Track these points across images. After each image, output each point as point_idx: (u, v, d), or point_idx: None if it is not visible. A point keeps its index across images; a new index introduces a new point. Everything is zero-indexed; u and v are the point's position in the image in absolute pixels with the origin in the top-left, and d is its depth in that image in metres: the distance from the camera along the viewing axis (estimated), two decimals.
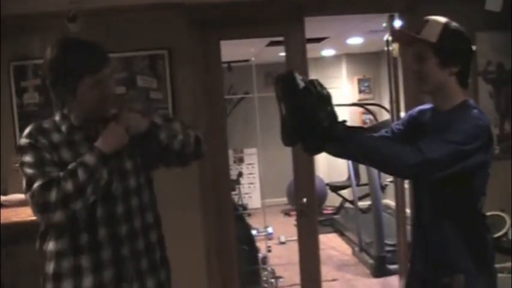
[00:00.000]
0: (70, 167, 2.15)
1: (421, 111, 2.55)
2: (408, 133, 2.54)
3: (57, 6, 3.73)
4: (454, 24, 2.36)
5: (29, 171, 2.19)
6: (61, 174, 2.14)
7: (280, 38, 4.51)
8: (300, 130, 2.22)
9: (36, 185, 2.12)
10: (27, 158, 2.21)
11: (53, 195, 2.09)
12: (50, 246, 2.29)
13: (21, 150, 2.25)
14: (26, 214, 3.45)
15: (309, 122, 2.18)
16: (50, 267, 2.29)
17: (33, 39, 4.12)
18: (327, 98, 2.21)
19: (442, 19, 2.36)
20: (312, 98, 2.17)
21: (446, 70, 2.33)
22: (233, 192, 8.20)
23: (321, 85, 2.23)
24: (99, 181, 2.17)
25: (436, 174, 2.20)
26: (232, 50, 5.24)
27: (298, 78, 2.22)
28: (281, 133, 2.35)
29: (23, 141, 2.27)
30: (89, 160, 2.15)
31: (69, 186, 2.10)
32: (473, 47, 2.40)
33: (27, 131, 2.30)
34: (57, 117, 2.33)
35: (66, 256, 2.26)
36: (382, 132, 2.63)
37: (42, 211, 2.11)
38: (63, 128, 2.29)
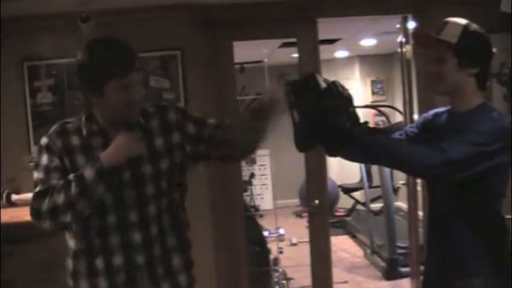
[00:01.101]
0: (68, 177, 2.14)
1: (437, 114, 2.53)
2: (423, 136, 2.52)
3: (70, 7, 3.74)
4: (474, 25, 2.34)
5: (37, 174, 2.25)
6: (60, 183, 2.15)
7: (293, 39, 4.50)
8: (316, 134, 2.21)
9: (35, 190, 2.20)
10: (40, 160, 2.26)
11: (45, 204, 2.13)
12: (72, 244, 2.33)
13: (39, 149, 2.30)
14: None
15: (330, 123, 2.16)
16: (70, 264, 2.34)
17: (46, 39, 4.13)
18: (349, 99, 2.21)
19: (462, 20, 2.34)
20: (334, 98, 2.16)
21: (465, 72, 2.31)
22: (245, 194, 8.19)
23: (342, 86, 2.23)
24: (94, 196, 2.13)
25: (457, 175, 2.18)
26: (244, 51, 5.23)
27: (320, 79, 2.21)
28: (295, 139, 2.34)
29: (43, 141, 2.30)
30: (86, 174, 2.11)
31: (60, 198, 2.11)
32: (494, 49, 2.38)
33: (51, 130, 2.32)
34: (83, 118, 2.31)
35: (83, 256, 2.29)
36: (396, 135, 2.61)
37: (33, 217, 2.18)
38: (85, 131, 2.28)
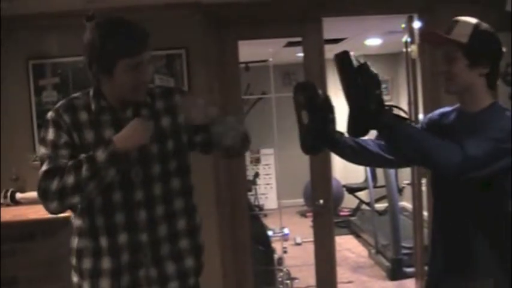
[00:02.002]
0: (80, 158, 2.12)
1: (443, 114, 2.51)
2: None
3: (75, 5, 3.74)
4: (484, 25, 2.32)
5: (43, 149, 2.21)
6: (69, 163, 2.11)
7: (298, 39, 4.50)
8: (325, 137, 2.21)
9: (43, 169, 2.14)
10: (48, 135, 2.22)
11: (54, 185, 2.09)
12: (75, 222, 2.31)
13: (46, 123, 2.26)
14: (44, 211, 3.47)
15: (358, 102, 2.16)
16: (74, 242, 2.32)
17: (51, 38, 4.15)
18: (377, 81, 2.20)
19: (473, 20, 2.32)
20: (364, 77, 2.16)
21: (476, 71, 2.29)
22: (249, 193, 8.20)
23: (372, 69, 2.22)
24: (104, 179, 2.12)
25: (477, 172, 2.15)
26: (249, 50, 5.23)
27: (353, 57, 2.21)
28: (301, 141, 2.33)
29: (49, 115, 2.27)
30: (98, 156, 2.09)
31: (70, 179, 2.08)
32: (504, 49, 2.36)
33: (57, 105, 2.29)
34: (91, 93, 2.30)
35: (87, 235, 2.27)
36: None
37: (41, 197, 2.13)
38: (93, 106, 2.26)
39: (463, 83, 2.32)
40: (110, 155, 2.10)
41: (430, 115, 2.62)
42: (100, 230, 2.26)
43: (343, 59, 2.20)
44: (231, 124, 2.35)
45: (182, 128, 2.37)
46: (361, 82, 2.15)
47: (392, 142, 2.30)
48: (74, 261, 2.33)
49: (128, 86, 2.20)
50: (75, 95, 2.34)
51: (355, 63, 2.18)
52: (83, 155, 2.13)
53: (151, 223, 2.30)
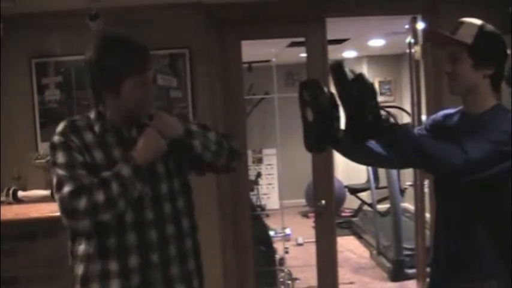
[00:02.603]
0: (104, 175, 2.11)
1: (447, 115, 2.51)
2: (433, 137, 2.50)
3: (78, 4, 3.75)
4: (489, 26, 2.32)
5: (60, 172, 2.14)
6: (94, 181, 2.09)
7: (302, 39, 4.49)
8: (330, 135, 2.21)
9: (66, 189, 2.08)
10: (59, 158, 2.17)
11: (82, 203, 2.05)
12: (80, 248, 2.25)
13: (54, 148, 2.20)
14: (46, 210, 3.48)
15: (354, 114, 2.15)
16: (79, 269, 2.26)
17: (54, 36, 4.15)
18: (373, 92, 2.19)
19: (478, 21, 2.32)
20: (359, 90, 2.15)
21: (480, 72, 2.29)
22: (251, 193, 8.19)
23: (368, 79, 2.21)
24: (133, 194, 2.12)
25: (479, 175, 2.16)
26: (252, 50, 5.23)
27: (347, 69, 2.20)
28: (305, 139, 2.33)
29: (56, 139, 2.21)
30: (124, 172, 2.10)
31: (100, 197, 2.06)
32: (508, 51, 2.36)
33: (60, 128, 2.24)
34: (92, 115, 2.28)
35: (95, 259, 2.22)
36: None
37: (69, 218, 2.07)
38: (97, 127, 2.24)
39: (467, 83, 2.31)
40: (134, 168, 2.11)
41: (433, 116, 2.61)
42: (111, 252, 2.22)
43: (337, 71, 2.20)
44: (212, 138, 2.35)
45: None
46: (356, 94, 2.14)
47: (392, 149, 2.30)
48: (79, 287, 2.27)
49: (134, 103, 2.20)
50: (73, 118, 2.32)
51: (349, 75, 2.18)
52: (106, 173, 2.11)
53: (162, 242, 2.29)
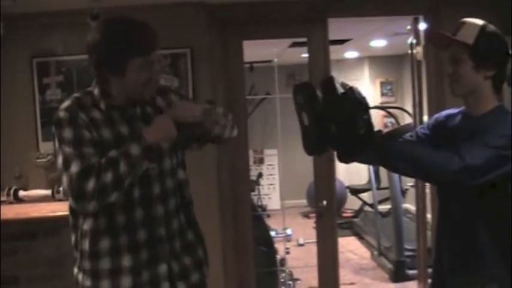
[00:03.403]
0: (112, 154, 2.10)
1: (449, 116, 2.50)
2: (434, 138, 2.49)
3: (80, 4, 3.74)
4: (491, 26, 2.31)
5: (66, 149, 2.12)
6: (102, 161, 2.08)
7: (303, 39, 4.49)
8: (328, 138, 2.20)
9: (74, 169, 2.07)
10: (66, 134, 2.15)
11: (91, 184, 2.04)
12: (86, 224, 2.25)
13: (60, 123, 2.17)
14: (47, 210, 3.48)
15: (345, 129, 2.14)
16: (87, 244, 2.26)
17: (56, 36, 4.15)
18: (365, 106, 2.18)
19: (479, 21, 2.31)
20: (349, 104, 2.14)
21: (481, 73, 2.28)
22: (253, 193, 8.18)
23: (360, 93, 2.20)
24: (138, 173, 2.14)
25: (476, 180, 2.15)
26: (254, 51, 5.22)
27: (338, 83, 2.19)
28: (304, 143, 2.32)
29: (62, 114, 2.19)
30: (133, 151, 2.10)
31: (108, 177, 2.05)
32: (510, 52, 2.34)
33: (66, 104, 2.23)
34: (95, 92, 2.28)
35: (103, 235, 2.24)
36: (407, 136, 2.58)
37: (77, 198, 2.07)
38: (102, 105, 2.24)
39: (468, 85, 2.30)
40: (144, 148, 2.12)
41: (436, 116, 2.60)
42: (120, 228, 2.24)
43: (327, 86, 2.19)
44: (220, 113, 2.39)
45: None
46: (346, 109, 2.13)
47: (385, 162, 2.29)
48: (87, 264, 2.27)
49: (139, 84, 2.21)
50: (77, 94, 2.31)
51: (340, 90, 2.17)
52: (113, 151, 2.12)
53: (167, 217, 2.32)
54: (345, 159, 2.26)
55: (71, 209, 2.30)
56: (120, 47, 2.16)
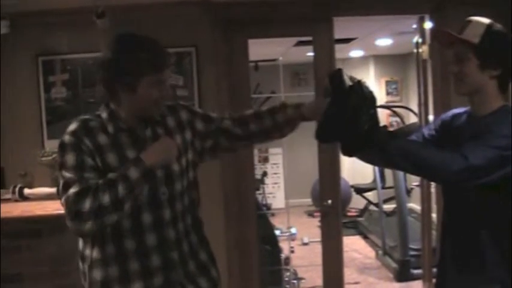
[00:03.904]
0: (110, 176, 2.08)
1: (455, 115, 2.48)
2: (441, 138, 2.47)
3: (85, 2, 3.75)
4: (497, 25, 2.28)
5: (66, 174, 2.11)
6: (100, 182, 2.07)
7: (309, 38, 4.48)
8: (338, 130, 2.18)
9: (71, 191, 2.06)
10: (68, 159, 2.13)
11: (87, 204, 2.02)
12: (95, 252, 2.23)
13: (64, 148, 2.16)
14: (52, 208, 3.48)
15: (349, 122, 2.14)
16: (97, 274, 2.23)
17: (61, 34, 4.16)
18: (371, 101, 2.17)
19: (486, 20, 2.28)
20: (355, 98, 2.13)
21: (487, 73, 2.25)
22: (257, 192, 8.18)
23: (367, 87, 2.19)
24: (138, 197, 2.12)
25: (478, 181, 2.13)
26: (259, 49, 5.22)
27: (346, 76, 2.18)
28: (318, 128, 2.30)
29: (67, 138, 2.17)
30: (132, 174, 2.07)
31: (105, 198, 2.03)
32: None
33: (72, 127, 2.21)
34: (104, 115, 2.26)
35: (113, 262, 2.21)
36: (413, 137, 2.57)
37: (73, 219, 2.04)
38: (110, 128, 2.23)
39: (473, 84, 2.28)
40: (143, 172, 2.09)
41: (443, 116, 2.58)
42: (130, 253, 2.22)
43: (335, 78, 2.18)
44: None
45: (190, 143, 2.41)
46: (352, 102, 2.12)
47: (387, 159, 2.28)
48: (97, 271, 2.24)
49: (151, 101, 2.21)
50: (85, 116, 2.28)
51: (347, 82, 2.16)
52: (112, 174, 2.09)
53: (178, 240, 2.31)
54: (348, 153, 2.25)
55: (79, 237, 2.27)
56: (133, 63, 2.16)
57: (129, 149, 2.22)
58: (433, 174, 2.25)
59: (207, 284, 2.40)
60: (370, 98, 2.16)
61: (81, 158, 2.13)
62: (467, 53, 2.26)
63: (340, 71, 2.20)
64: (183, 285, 2.31)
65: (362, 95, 2.14)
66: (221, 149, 2.54)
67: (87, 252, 2.26)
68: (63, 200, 2.09)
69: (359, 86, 2.15)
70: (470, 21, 2.30)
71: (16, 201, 3.80)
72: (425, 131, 2.57)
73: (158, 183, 2.24)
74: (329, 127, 2.21)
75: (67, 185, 2.09)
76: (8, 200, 3.80)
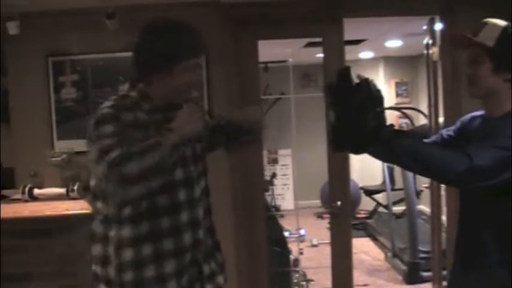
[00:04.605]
0: (149, 142, 2.07)
1: (473, 118, 2.45)
2: (459, 140, 2.45)
3: (95, 2, 3.76)
4: None
5: (105, 141, 2.07)
6: (142, 145, 2.06)
7: (318, 39, 4.47)
8: (347, 131, 2.19)
9: (115, 154, 2.02)
10: (107, 128, 2.11)
11: (134, 167, 1.99)
12: (126, 232, 2.21)
13: (103, 119, 2.13)
14: (61, 208, 3.50)
15: (355, 120, 2.13)
16: (128, 254, 2.21)
17: (71, 35, 4.17)
18: (378, 99, 2.16)
19: (502, 22, 2.25)
20: (362, 96, 2.13)
21: (501, 76, 2.22)
22: (266, 193, 8.17)
23: (375, 85, 2.19)
24: (165, 168, 2.12)
25: (484, 182, 2.10)
26: (269, 50, 5.21)
27: (353, 75, 2.19)
28: (332, 140, 2.31)
29: (106, 111, 2.16)
30: (165, 143, 2.08)
31: (150, 161, 2.01)
32: None
33: (109, 103, 2.21)
34: (132, 93, 2.27)
35: (146, 242, 2.21)
36: (433, 138, 2.56)
37: (122, 181, 2.00)
38: (145, 106, 2.25)
39: (486, 87, 2.26)
40: (173, 143, 2.10)
41: (462, 118, 2.55)
42: (164, 232, 2.24)
43: (342, 75, 2.18)
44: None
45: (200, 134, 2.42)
46: (359, 100, 2.12)
47: (393, 158, 2.26)
48: (129, 275, 2.22)
49: (185, 86, 2.26)
50: (114, 97, 2.29)
51: (354, 80, 2.16)
52: (151, 140, 2.09)
53: (203, 220, 2.39)
54: (355, 151, 2.26)
55: (101, 219, 2.26)
56: (173, 46, 2.20)
57: (163, 128, 2.22)
58: (438, 175, 2.23)
59: (216, 266, 2.48)
60: (377, 96, 2.16)
61: (121, 127, 2.14)
62: (481, 56, 2.23)
63: (348, 68, 2.20)
64: (202, 265, 2.38)
65: (369, 93, 2.14)
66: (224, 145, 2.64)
67: (113, 233, 2.23)
68: (104, 164, 2.02)
69: (366, 84, 2.15)
70: (486, 23, 2.27)
71: (26, 201, 3.82)
72: (444, 133, 2.56)
73: (188, 160, 2.31)
74: (341, 134, 2.22)
75: (105, 151, 2.05)
76: (18, 200, 3.81)
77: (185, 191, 2.29)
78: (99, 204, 2.26)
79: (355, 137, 2.17)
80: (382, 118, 2.15)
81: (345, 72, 2.19)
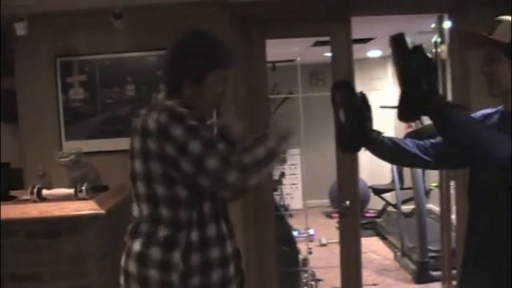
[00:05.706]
0: (256, 136, 2.18)
1: (486, 116, 2.42)
2: None
3: (102, 3, 3.76)
4: None
5: (204, 133, 2.13)
6: (255, 139, 2.17)
7: (326, 38, 4.46)
8: (363, 136, 2.20)
9: (219, 146, 2.11)
10: (193, 122, 2.14)
11: (248, 157, 2.09)
12: (194, 236, 2.22)
13: (183, 116, 2.15)
14: (69, 208, 3.50)
15: (409, 85, 2.16)
16: (197, 258, 2.22)
17: (79, 35, 4.17)
18: (432, 65, 2.18)
19: None
20: (420, 58, 2.16)
21: None
22: (275, 193, 8.17)
23: (427, 52, 2.20)
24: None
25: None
26: (277, 50, 5.21)
27: (408, 40, 2.21)
28: (340, 139, 2.32)
29: (181, 110, 2.17)
30: (270, 140, 2.18)
31: (261, 152, 2.11)
32: None
33: (173, 103, 2.23)
34: (170, 103, 2.24)
35: (214, 245, 2.27)
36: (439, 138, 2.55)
37: (240, 173, 2.06)
38: (193, 115, 2.25)
39: (506, 84, 2.23)
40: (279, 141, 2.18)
41: (473, 115, 2.54)
42: (227, 236, 2.38)
43: (398, 41, 2.20)
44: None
45: None
46: (415, 63, 2.14)
47: (442, 126, 2.22)
48: (195, 280, 2.22)
49: (214, 95, 2.33)
50: (169, 101, 2.29)
51: (410, 46, 2.16)
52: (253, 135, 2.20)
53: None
54: (405, 118, 2.27)
55: (170, 220, 2.23)
56: (205, 57, 2.28)
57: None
58: (482, 151, 2.19)
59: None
60: (431, 62, 2.19)
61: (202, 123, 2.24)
62: (498, 53, 2.21)
63: (402, 34, 2.23)
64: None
65: (424, 58, 2.16)
66: None
67: (181, 237, 2.22)
68: (216, 158, 2.07)
69: (421, 50, 2.17)
70: (500, 21, 2.26)
71: (34, 202, 3.82)
72: None
73: None
74: (351, 135, 2.23)
75: (211, 141, 2.13)
76: (26, 201, 3.81)
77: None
78: (164, 210, 2.22)
79: (410, 101, 2.19)
80: (435, 85, 2.17)
81: (400, 38, 2.20)
